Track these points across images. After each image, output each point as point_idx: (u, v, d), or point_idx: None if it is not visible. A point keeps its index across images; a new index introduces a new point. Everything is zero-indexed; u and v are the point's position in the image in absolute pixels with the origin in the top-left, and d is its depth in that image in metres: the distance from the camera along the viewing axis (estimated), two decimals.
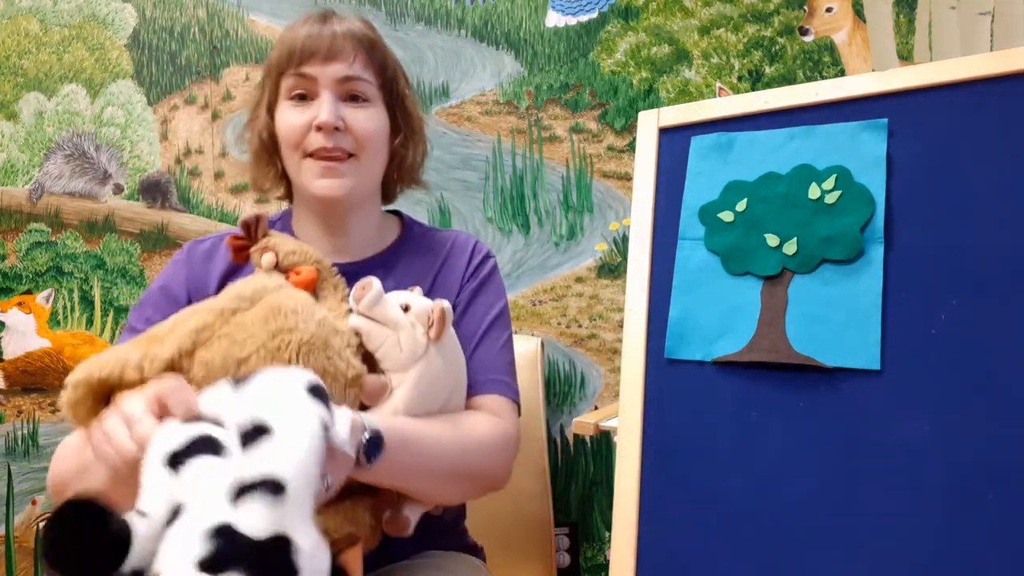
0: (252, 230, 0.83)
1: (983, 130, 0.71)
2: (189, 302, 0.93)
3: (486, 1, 1.59)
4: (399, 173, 1.00)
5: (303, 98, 0.90)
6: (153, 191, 1.56)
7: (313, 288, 0.81)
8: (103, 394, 0.69)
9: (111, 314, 1.54)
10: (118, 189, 1.55)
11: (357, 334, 0.79)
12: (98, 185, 1.55)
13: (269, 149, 0.96)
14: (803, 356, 0.73)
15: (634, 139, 1.40)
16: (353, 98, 0.90)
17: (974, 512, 0.63)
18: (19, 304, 1.52)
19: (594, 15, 1.57)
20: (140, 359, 0.67)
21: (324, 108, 0.88)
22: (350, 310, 0.82)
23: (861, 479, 0.68)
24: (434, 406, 0.83)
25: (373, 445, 0.71)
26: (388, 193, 1.02)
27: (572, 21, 1.58)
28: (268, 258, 0.81)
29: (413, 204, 1.53)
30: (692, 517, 0.75)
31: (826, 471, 0.70)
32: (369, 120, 0.91)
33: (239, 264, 0.87)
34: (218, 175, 1.57)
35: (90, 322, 1.53)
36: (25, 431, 1.52)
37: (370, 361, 0.79)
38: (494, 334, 0.97)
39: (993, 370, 0.65)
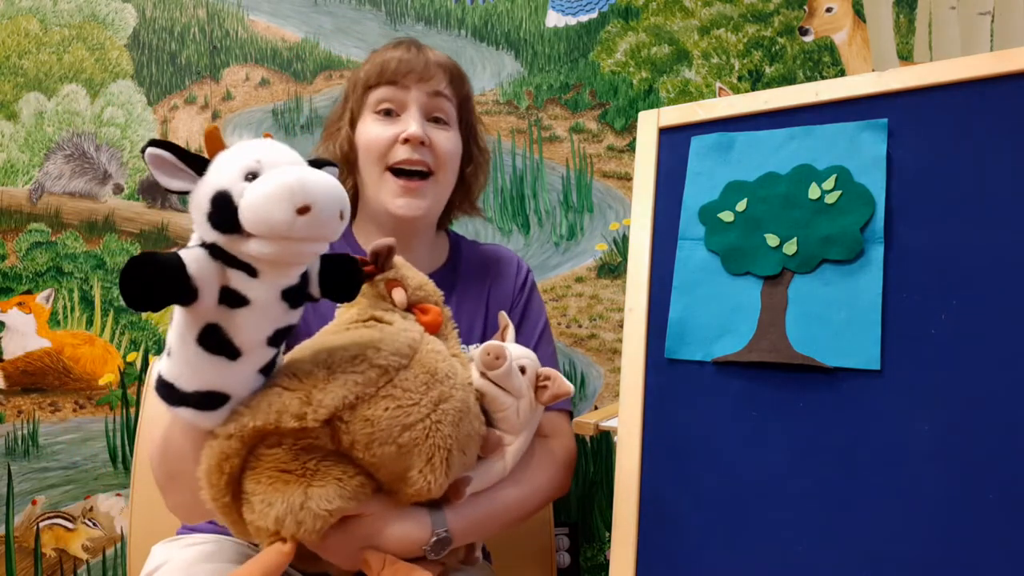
0: (382, 260, 0.80)
1: (983, 130, 0.71)
2: None
3: (486, 1, 1.59)
4: (462, 200, 1.05)
5: (388, 114, 0.94)
6: (153, 191, 1.55)
7: (439, 330, 0.81)
8: (252, 445, 0.66)
9: (111, 314, 1.54)
10: (118, 189, 1.55)
11: (481, 394, 0.79)
12: (98, 185, 1.55)
13: (349, 161, 0.99)
14: (803, 356, 0.73)
15: (634, 139, 1.40)
16: (436, 120, 0.95)
17: (974, 512, 0.63)
18: (19, 304, 1.52)
19: (594, 15, 1.57)
20: (300, 408, 0.64)
21: (413, 122, 0.92)
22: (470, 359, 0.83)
23: (861, 479, 0.68)
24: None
25: (440, 546, 0.76)
26: (445, 218, 1.06)
27: (572, 21, 1.58)
28: (401, 296, 0.79)
29: None
30: (692, 517, 0.75)
31: (826, 471, 0.70)
32: (449, 141, 0.96)
33: None
34: None
35: (90, 322, 1.53)
36: (25, 431, 1.52)
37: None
38: (543, 350, 1.01)
39: (993, 370, 0.65)
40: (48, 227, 1.53)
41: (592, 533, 1.55)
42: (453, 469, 0.73)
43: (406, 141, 0.92)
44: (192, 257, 0.56)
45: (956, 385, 0.66)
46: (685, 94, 1.55)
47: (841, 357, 0.71)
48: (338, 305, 0.81)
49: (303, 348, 0.74)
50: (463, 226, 1.56)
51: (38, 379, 1.52)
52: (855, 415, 0.70)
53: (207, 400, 0.63)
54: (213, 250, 0.57)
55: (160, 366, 0.65)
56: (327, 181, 0.55)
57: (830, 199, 0.76)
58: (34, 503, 1.51)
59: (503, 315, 0.91)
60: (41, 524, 1.51)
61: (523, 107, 1.57)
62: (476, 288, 1.03)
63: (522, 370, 0.81)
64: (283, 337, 0.65)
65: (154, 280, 0.53)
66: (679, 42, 1.55)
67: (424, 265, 0.99)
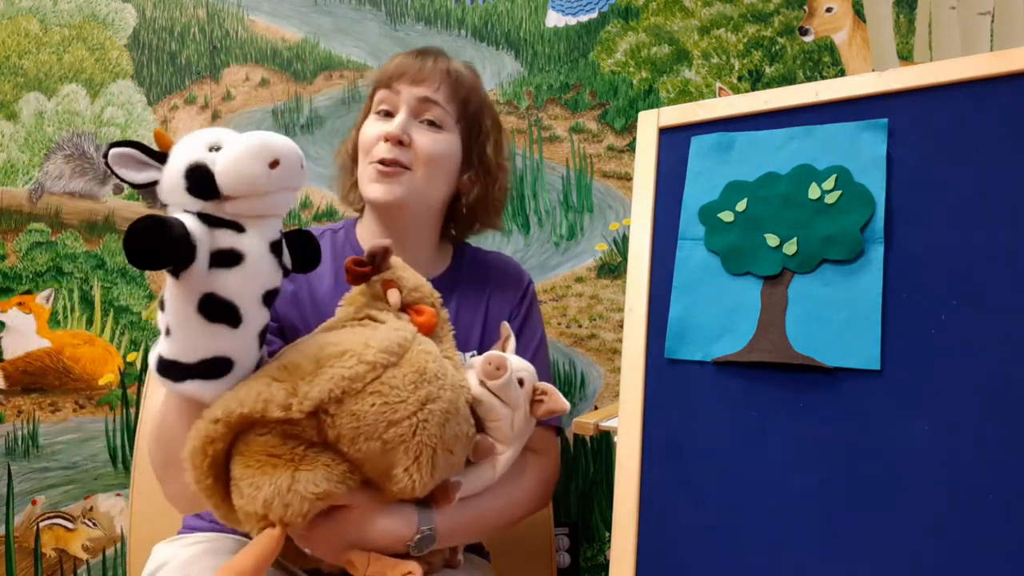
0: (378, 261, 0.81)
1: (983, 130, 0.71)
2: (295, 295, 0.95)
3: (486, 1, 1.59)
4: (467, 210, 1.04)
5: (387, 115, 0.97)
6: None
7: (433, 332, 0.82)
8: (238, 431, 0.67)
9: (111, 314, 1.54)
10: (118, 189, 1.55)
11: (477, 402, 0.80)
12: (98, 185, 1.54)
13: (351, 161, 1.04)
14: (803, 356, 0.73)
15: (634, 139, 1.40)
16: (429, 122, 0.97)
17: (974, 512, 0.63)
18: (19, 304, 1.52)
19: (594, 15, 1.57)
20: (286, 398, 0.66)
21: (395, 122, 0.95)
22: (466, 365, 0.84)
23: (861, 479, 0.68)
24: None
25: (424, 543, 0.77)
26: (459, 230, 1.08)
27: (572, 21, 1.58)
28: (395, 296, 0.80)
29: None
30: (692, 517, 0.75)
31: (826, 471, 0.70)
32: (435, 143, 0.97)
33: (350, 284, 0.83)
34: None
35: (90, 322, 1.53)
36: (25, 431, 1.52)
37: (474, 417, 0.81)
38: (538, 362, 1.00)
39: (993, 370, 0.65)
40: (48, 227, 1.53)
41: (592, 533, 1.55)
42: (438, 469, 0.74)
43: (386, 139, 0.95)
44: (186, 220, 0.61)
45: (956, 385, 0.66)
46: (685, 94, 1.55)
47: (841, 357, 0.71)
48: (340, 304, 0.82)
49: (297, 344, 0.74)
50: None
51: (38, 379, 1.52)
52: (855, 415, 0.70)
53: (213, 368, 0.66)
54: (199, 217, 0.62)
55: (159, 348, 0.67)
56: (285, 139, 0.64)
57: (830, 199, 0.76)
58: (34, 503, 1.51)
59: (505, 325, 0.91)
60: (41, 524, 1.51)
61: (523, 107, 1.57)
62: (476, 295, 1.04)
63: (520, 382, 0.82)
64: (272, 299, 0.69)
65: (159, 237, 0.57)
66: (679, 42, 1.55)
67: (425, 270, 0.98)
